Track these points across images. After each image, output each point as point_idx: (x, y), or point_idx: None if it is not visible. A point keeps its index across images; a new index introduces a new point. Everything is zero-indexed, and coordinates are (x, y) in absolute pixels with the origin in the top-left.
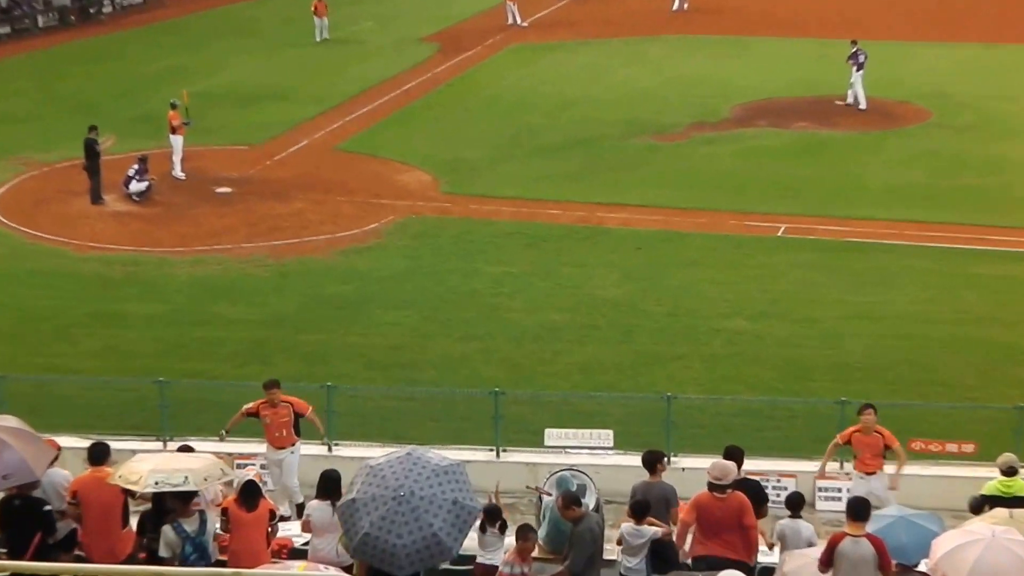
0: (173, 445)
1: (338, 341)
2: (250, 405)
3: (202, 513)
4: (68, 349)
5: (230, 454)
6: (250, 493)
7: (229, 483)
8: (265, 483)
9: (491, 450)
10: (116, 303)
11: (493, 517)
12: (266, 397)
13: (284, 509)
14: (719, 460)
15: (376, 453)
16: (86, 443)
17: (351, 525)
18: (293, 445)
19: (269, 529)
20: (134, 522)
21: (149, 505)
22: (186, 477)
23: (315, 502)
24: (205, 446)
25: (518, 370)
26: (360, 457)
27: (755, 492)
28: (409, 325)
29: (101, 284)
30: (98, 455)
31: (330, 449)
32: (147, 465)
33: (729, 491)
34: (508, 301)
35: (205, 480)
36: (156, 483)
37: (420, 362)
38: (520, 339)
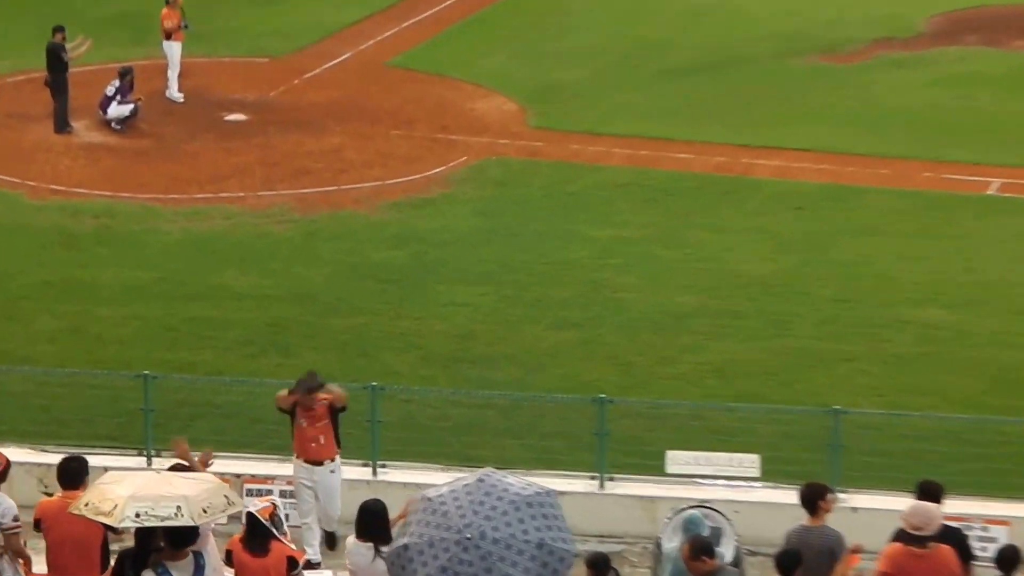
0: (161, 463)
1: (385, 326)
2: (287, 394)
3: (198, 556)
4: (18, 330)
5: (238, 476)
6: (255, 533)
7: (238, 516)
8: (281, 519)
9: (593, 478)
10: (84, 268)
11: (599, 568)
12: (303, 402)
13: (313, 551)
14: (919, 503)
15: (436, 480)
16: (41, 457)
17: None
18: (333, 459)
19: None
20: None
21: (129, 543)
22: (178, 507)
23: (352, 542)
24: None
25: (630, 371)
26: (414, 484)
27: (959, 545)
28: (483, 307)
29: (64, 242)
30: (72, 475)
31: (375, 472)
32: (125, 489)
33: (931, 545)
34: (619, 277)
35: (204, 512)
36: (137, 515)
37: (497, 357)
38: (634, 329)
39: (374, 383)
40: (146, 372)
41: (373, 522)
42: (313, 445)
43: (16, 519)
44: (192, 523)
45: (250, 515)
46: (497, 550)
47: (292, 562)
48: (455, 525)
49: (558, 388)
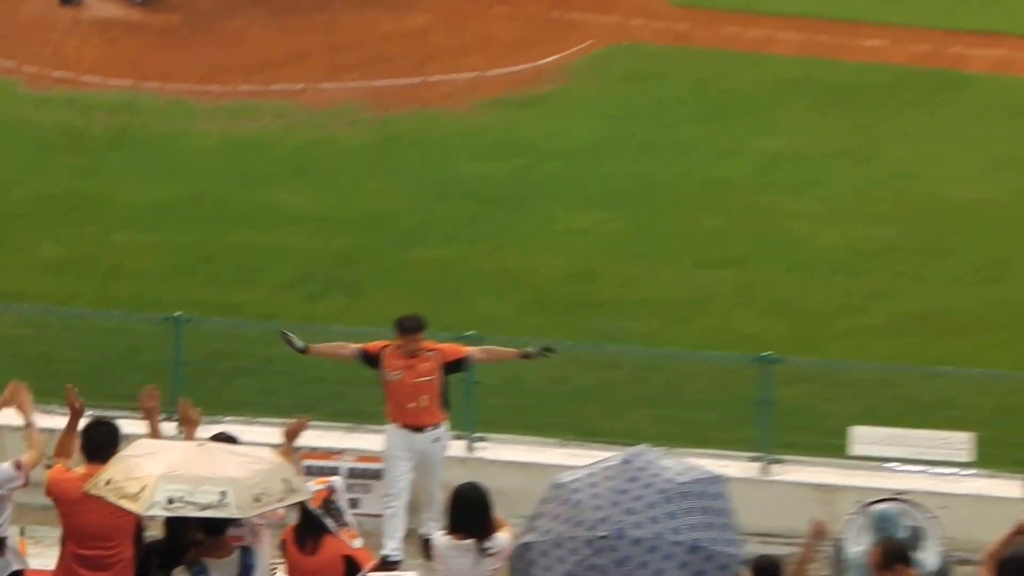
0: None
1: (482, 261)
2: (372, 344)
3: (246, 555)
4: (13, 258)
5: (295, 450)
6: (307, 524)
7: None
8: (341, 507)
9: (754, 461)
10: (96, 180)
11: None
12: (400, 343)
13: (394, 545)
14: None
15: (548, 458)
16: (41, 420)
17: None
18: (438, 425)
19: None
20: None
21: (159, 533)
22: (223, 493)
23: (445, 541)
24: (255, 434)
25: (803, 322)
26: (520, 463)
27: None
28: (609, 237)
29: (71, 145)
30: (99, 444)
31: (470, 447)
32: (157, 466)
33: None
34: (788, 200)
35: (256, 501)
36: (170, 501)
37: (628, 303)
38: (808, 268)
39: (469, 333)
40: (177, 314)
41: (472, 512)
42: (412, 406)
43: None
44: (239, 515)
45: (302, 506)
46: (637, 553)
47: (351, 565)
48: (588, 520)
49: (707, 343)
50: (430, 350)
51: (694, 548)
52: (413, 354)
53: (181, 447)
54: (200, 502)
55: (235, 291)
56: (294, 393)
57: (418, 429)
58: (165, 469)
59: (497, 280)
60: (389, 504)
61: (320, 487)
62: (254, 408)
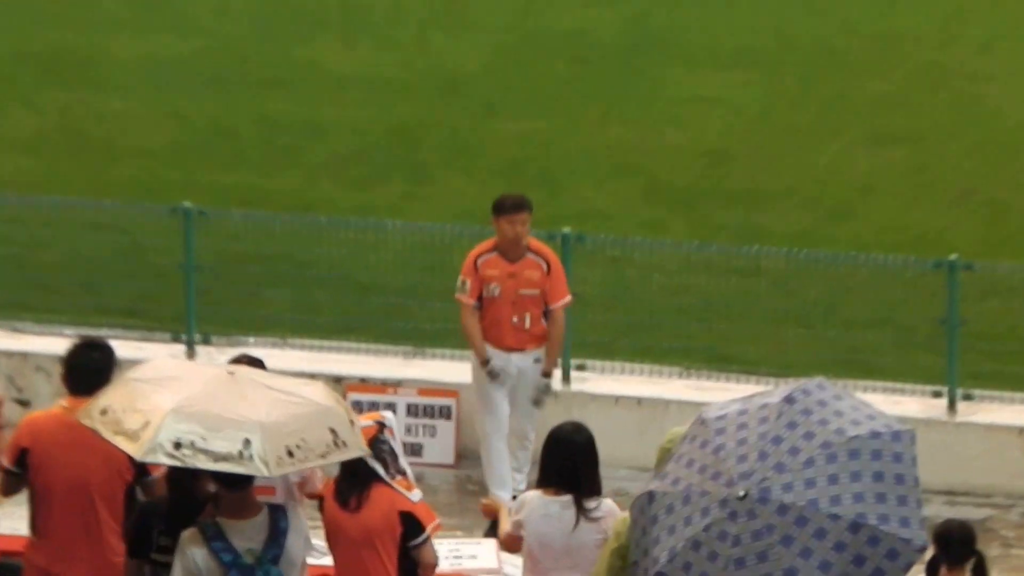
0: (213, 353)
1: (582, 137)
2: (467, 269)
3: (276, 515)
4: None
5: (338, 380)
6: (351, 473)
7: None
8: (396, 448)
9: (938, 396)
10: (83, 30)
11: (955, 547)
12: (505, 230)
13: (516, 484)
14: None
15: (672, 390)
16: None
17: (636, 546)
18: (540, 346)
19: (413, 552)
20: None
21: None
22: (247, 442)
23: (535, 496)
24: (288, 360)
25: (1002, 218)
26: (629, 398)
27: None
28: (746, 107)
29: None
30: (87, 372)
31: (566, 379)
32: (167, 397)
33: None
34: (978, 60)
35: (289, 455)
36: (178, 444)
37: (769, 192)
38: (1007, 146)
39: (565, 230)
40: (187, 205)
41: (571, 460)
42: (514, 322)
43: None
44: (262, 472)
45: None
46: (782, 525)
47: (409, 524)
48: (727, 473)
49: (874, 244)
50: (538, 253)
51: (856, 525)
52: (516, 256)
53: (205, 374)
54: (215, 450)
55: (263, 175)
56: (337, 307)
57: (517, 350)
58: (178, 402)
59: (600, 161)
60: (490, 446)
61: (367, 423)
62: (286, 327)
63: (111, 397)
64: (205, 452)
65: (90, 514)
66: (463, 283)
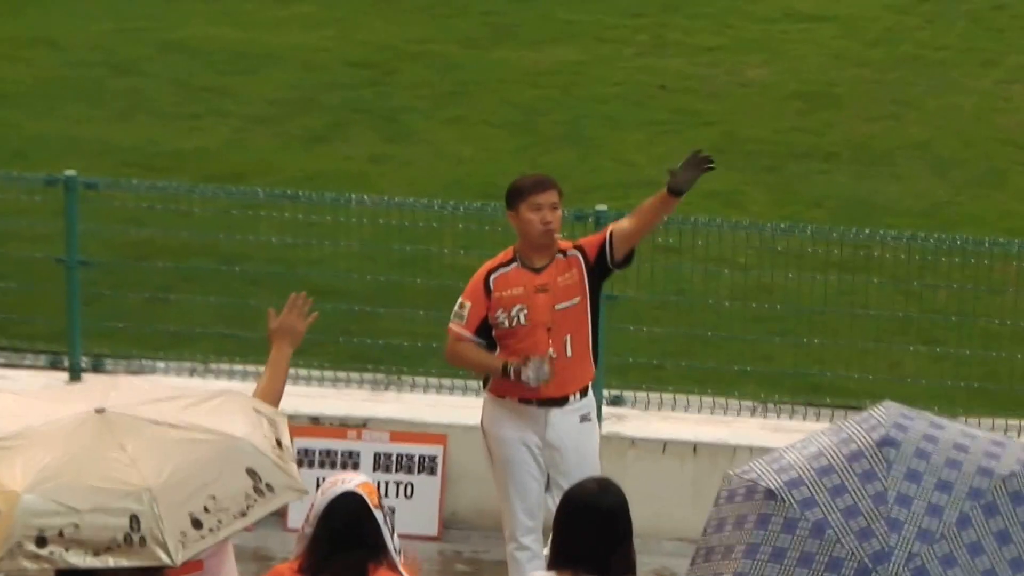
0: (93, 380)
1: (622, 70)
2: (472, 290)
3: None
4: None
5: (274, 420)
6: (345, 542)
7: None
8: (388, 519)
9: None
10: None
11: None
12: (529, 220)
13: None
14: None
15: (738, 432)
16: None
17: (704, 536)
18: (586, 391)
19: None
20: None
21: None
22: (133, 519)
23: None
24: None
25: None
26: (682, 443)
27: None
28: None
29: None
30: None
31: (598, 417)
32: (13, 472)
33: None
34: None
35: (195, 528)
36: (41, 541)
37: (888, 152)
38: None
39: (600, 207)
40: (68, 172)
41: (594, 532)
42: (552, 357)
43: None
44: (163, 561)
45: (346, 497)
46: None
47: None
48: (874, 535)
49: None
50: (566, 251)
51: None
52: (544, 261)
53: (61, 420)
54: (93, 539)
55: (175, 132)
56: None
57: (555, 401)
58: (34, 476)
59: (649, 108)
60: (520, 537)
61: (363, 478)
62: (208, 345)
63: (31, 516)
64: (80, 544)
65: None
66: (461, 307)
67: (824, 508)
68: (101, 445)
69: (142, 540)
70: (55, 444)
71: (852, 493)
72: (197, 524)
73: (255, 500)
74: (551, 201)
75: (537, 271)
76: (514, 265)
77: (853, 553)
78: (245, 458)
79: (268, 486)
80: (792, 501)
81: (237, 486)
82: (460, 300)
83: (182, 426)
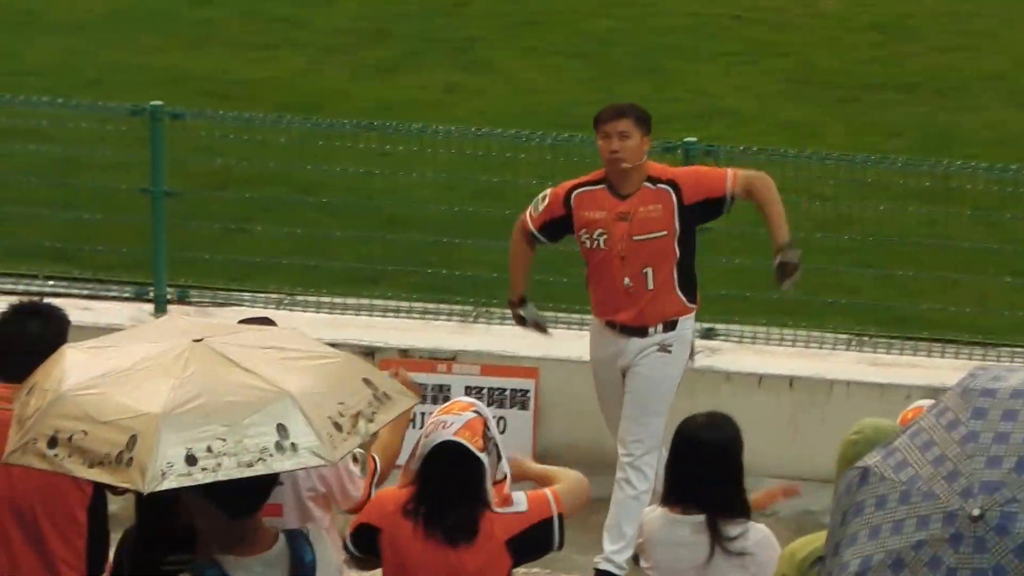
0: (186, 312)
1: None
2: (552, 196)
3: (295, 539)
4: None
5: (371, 352)
6: (455, 486)
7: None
8: (500, 446)
9: None
10: None
11: None
12: (600, 148)
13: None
14: None
15: (836, 366)
16: None
17: (831, 536)
18: (675, 323)
19: None
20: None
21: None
22: (281, 427)
23: (659, 514)
24: (299, 322)
25: None
26: (781, 377)
27: None
28: None
29: None
30: (24, 347)
31: (692, 350)
32: (143, 398)
33: None
34: None
35: (339, 428)
36: (192, 459)
37: (971, 81)
38: None
39: (689, 139)
40: (154, 103)
41: (702, 467)
42: (627, 286)
43: None
44: (326, 459)
45: (447, 447)
46: (1017, 570)
47: (519, 547)
48: (970, 476)
49: None
50: (660, 179)
51: None
52: (628, 188)
53: (169, 350)
54: (245, 451)
55: (248, 62)
56: (360, 249)
57: (635, 331)
58: (167, 399)
59: (726, 38)
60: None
61: (468, 414)
62: (293, 276)
63: (56, 417)
64: (232, 456)
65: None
66: (542, 199)
67: (986, 422)
68: (218, 365)
69: (292, 445)
70: (172, 368)
71: (1017, 420)
72: (337, 427)
73: (377, 407)
74: (619, 130)
75: (622, 197)
76: (602, 186)
77: (974, 472)
78: (360, 370)
79: (385, 394)
80: (969, 406)
81: (359, 395)
82: (544, 192)
83: (286, 347)
